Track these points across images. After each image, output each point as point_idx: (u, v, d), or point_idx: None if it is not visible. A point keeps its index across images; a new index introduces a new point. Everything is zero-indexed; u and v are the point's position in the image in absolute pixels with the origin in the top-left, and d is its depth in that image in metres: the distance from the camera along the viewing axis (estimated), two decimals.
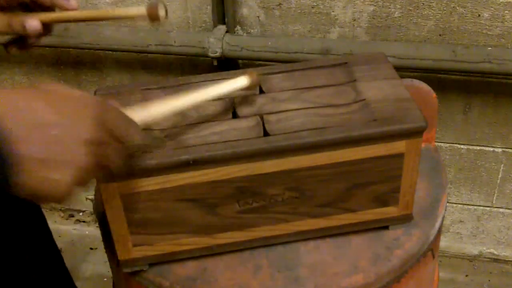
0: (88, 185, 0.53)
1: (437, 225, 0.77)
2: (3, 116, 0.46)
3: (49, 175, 0.48)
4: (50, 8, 0.70)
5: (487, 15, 1.21)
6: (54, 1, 0.70)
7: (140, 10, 0.68)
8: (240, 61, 1.37)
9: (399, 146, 0.67)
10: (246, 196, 0.68)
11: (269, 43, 1.27)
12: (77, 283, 1.07)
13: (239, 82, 0.70)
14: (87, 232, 1.74)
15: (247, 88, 0.71)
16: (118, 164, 0.54)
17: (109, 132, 0.52)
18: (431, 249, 0.77)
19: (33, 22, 0.69)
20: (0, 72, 1.57)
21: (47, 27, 0.71)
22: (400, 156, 0.68)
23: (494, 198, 1.50)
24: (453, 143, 1.43)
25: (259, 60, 1.30)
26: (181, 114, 0.70)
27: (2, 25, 0.69)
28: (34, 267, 0.87)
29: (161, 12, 0.68)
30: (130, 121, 0.56)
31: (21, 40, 0.72)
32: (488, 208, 1.53)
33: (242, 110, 0.70)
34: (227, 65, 1.35)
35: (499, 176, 1.46)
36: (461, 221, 1.58)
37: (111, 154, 0.53)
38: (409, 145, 0.68)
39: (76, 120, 0.49)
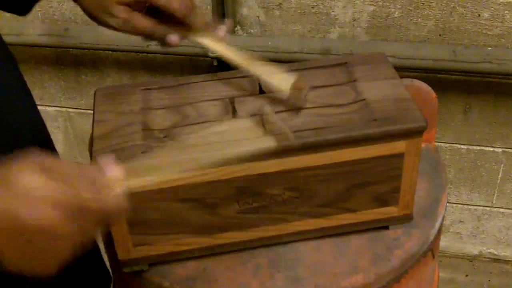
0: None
1: (437, 225, 0.77)
2: None
3: (34, 267, 0.48)
4: (181, 22, 0.70)
5: (487, 15, 1.21)
6: (196, 22, 0.70)
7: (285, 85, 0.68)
8: None
9: (399, 146, 0.67)
10: (246, 196, 0.68)
11: (269, 43, 1.27)
12: None
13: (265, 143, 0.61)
14: None
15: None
16: (100, 229, 0.52)
17: (83, 212, 0.48)
18: (431, 249, 0.77)
19: (174, 39, 0.70)
20: None
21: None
22: (400, 156, 0.68)
23: (494, 198, 1.50)
24: (453, 143, 1.43)
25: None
26: (181, 114, 0.70)
27: (145, 28, 0.69)
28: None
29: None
30: (103, 189, 0.50)
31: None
32: (488, 208, 1.53)
33: (242, 110, 0.70)
34: (227, 65, 1.35)
35: (499, 176, 1.46)
36: (461, 221, 1.58)
37: (90, 229, 0.50)
38: (409, 145, 0.68)
39: (49, 219, 0.46)
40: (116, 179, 0.51)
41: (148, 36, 0.70)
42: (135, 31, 0.69)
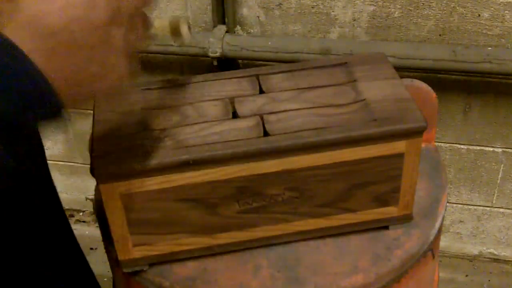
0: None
1: (437, 225, 0.77)
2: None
3: (95, 70, 0.44)
4: None
5: (487, 15, 1.21)
6: None
7: (162, 22, 0.66)
8: (240, 61, 1.37)
9: (399, 146, 0.67)
10: (246, 196, 0.68)
11: (269, 43, 1.27)
12: None
13: None
14: (87, 232, 1.74)
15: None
16: (147, 35, 0.51)
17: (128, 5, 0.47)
18: (431, 249, 0.77)
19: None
20: None
21: None
22: (400, 156, 0.68)
23: (494, 198, 1.50)
24: (453, 143, 1.43)
25: (259, 60, 1.30)
26: (181, 114, 0.70)
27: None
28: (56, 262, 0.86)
29: (183, 29, 0.66)
30: None
31: None
32: (488, 208, 1.53)
33: (242, 110, 0.70)
34: (227, 65, 1.35)
35: (499, 176, 1.46)
36: (461, 221, 1.58)
37: (139, 27, 0.49)
38: (409, 145, 0.68)
39: (91, 8, 0.43)
40: None
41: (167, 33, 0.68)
42: None
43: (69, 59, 0.43)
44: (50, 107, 0.42)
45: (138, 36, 0.49)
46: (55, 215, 0.85)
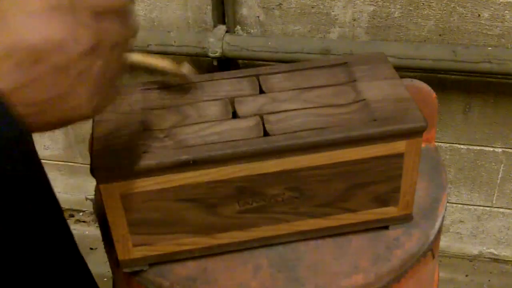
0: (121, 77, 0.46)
1: (437, 225, 0.77)
2: None
3: (64, 105, 0.41)
4: None
5: (487, 15, 1.21)
6: None
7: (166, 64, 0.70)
8: (240, 61, 1.37)
9: (399, 146, 0.67)
10: (246, 196, 0.68)
11: (269, 43, 1.27)
12: None
13: None
14: (87, 232, 1.74)
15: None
16: (132, 39, 0.46)
17: (102, 16, 0.42)
18: (431, 249, 0.77)
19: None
20: None
21: None
22: (400, 156, 0.68)
23: (494, 198, 1.50)
24: (453, 143, 1.43)
25: (259, 60, 1.30)
26: (181, 114, 0.70)
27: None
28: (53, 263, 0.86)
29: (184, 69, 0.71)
30: None
31: None
32: (488, 208, 1.53)
33: (242, 110, 0.70)
34: (227, 65, 1.35)
35: (499, 176, 1.46)
36: (461, 221, 1.58)
37: (122, 40, 0.44)
38: (409, 145, 0.68)
39: (60, 29, 0.40)
40: None
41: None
42: None
43: (40, 87, 0.40)
44: (10, 130, 0.38)
45: (115, 70, 0.46)
46: (52, 215, 0.84)
